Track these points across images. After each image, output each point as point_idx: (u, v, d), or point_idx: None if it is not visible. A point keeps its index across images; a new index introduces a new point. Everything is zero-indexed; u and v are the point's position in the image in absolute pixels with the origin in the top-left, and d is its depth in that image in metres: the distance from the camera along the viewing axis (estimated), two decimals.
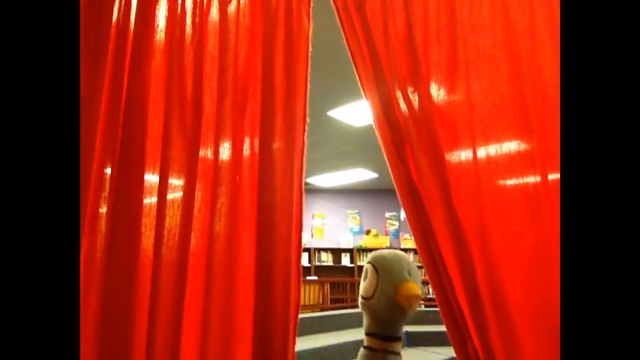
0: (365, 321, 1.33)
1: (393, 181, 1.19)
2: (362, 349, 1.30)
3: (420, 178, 1.15)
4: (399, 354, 1.27)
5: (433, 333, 4.78)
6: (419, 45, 1.25)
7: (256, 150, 1.34)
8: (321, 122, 4.64)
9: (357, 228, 8.24)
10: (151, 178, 1.34)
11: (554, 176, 1.08)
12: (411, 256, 8.39)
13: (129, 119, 1.37)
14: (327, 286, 6.53)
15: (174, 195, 1.32)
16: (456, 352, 1.07)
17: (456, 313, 1.06)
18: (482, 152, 1.15)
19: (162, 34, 1.46)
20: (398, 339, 1.28)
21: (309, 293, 6.20)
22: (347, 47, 1.31)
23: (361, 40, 1.27)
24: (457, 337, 1.06)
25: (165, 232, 1.27)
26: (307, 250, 7.92)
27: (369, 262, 1.34)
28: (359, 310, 1.39)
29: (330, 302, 6.56)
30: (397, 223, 8.34)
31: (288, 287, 1.21)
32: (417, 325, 5.20)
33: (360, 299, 1.34)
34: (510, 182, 1.12)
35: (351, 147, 5.58)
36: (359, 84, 1.29)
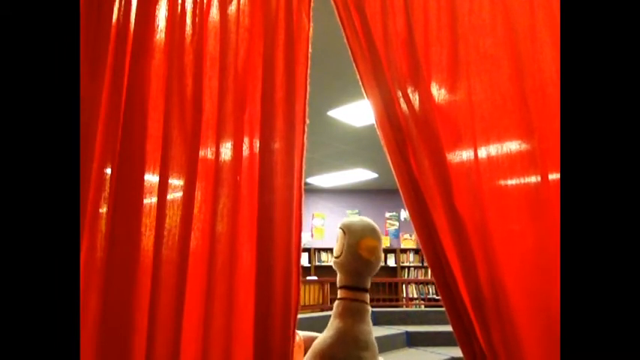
0: (338, 278, 1.57)
1: (396, 180, 1.19)
2: (336, 300, 1.52)
3: (421, 176, 1.15)
4: (365, 303, 1.50)
5: (433, 333, 4.79)
6: (419, 45, 1.25)
7: (256, 150, 1.33)
8: (321, 122, 4.64)
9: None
10: (151, 178, 1.34)
11: (555, 176, 1.08)
12: (411, 257, 8.42)
13: (129, 119, 1.37)
14: (327, 286, 6.53)
15: (174, 195, 1.32)
16: (462, 350, 1.07)
17: (461, 312, 1.06)
18: (483, 152, 1.15)
19: (163, 34, 1.46)
20: (365, 290, 1.53)
21: (309, 293, 6.20)
22: (348, 47, 1.31)
23: (361, 39, 1.27)
24: (462, 335, 1.07)
25: (165, 232, 1.27)
26: (307, 250, 7.93)
27: (339, 228, 1.58)
28: None
29: (330, 302, 6.56)
30: (397, 223, 8.34)
31: (288, 287, 1.21)
32: (417, 325, 5.21)
33: (333, 259, 1.58)
34: (511, 182, 1.12)
35: (351, 147, 5.58)
36: (359, 84, 1.29)
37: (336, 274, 1.60)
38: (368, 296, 1.53)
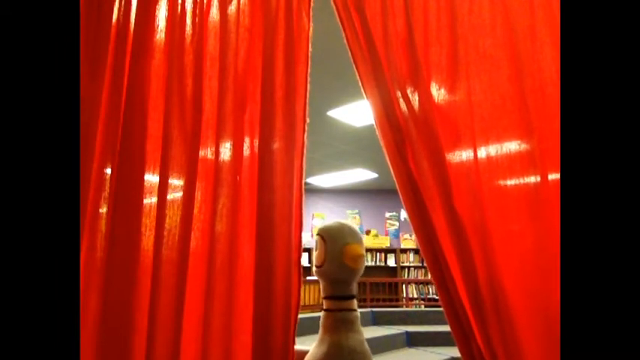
0: (321, 286, 1.47)
1: (395, 180, 1.19)
2: (322, 311, 1.43)
3: (421, 177, 1.15)
4: (354, 310, 1.41)
5: (433, 333, 4.78)
6: (419, 45, 1.25)
7: (256, 150, 1.34)
8: (321, 122, 4.64)
9: (357, 228, 8.23)
10: (151, 178, 1.34)
11: (555, 176, 1.08)
12: (411, 257, 8.41)
13: (129, 119, 1.37)
14: None
15: (174, 195, 1.32)
16: (460, 351, 1.07)
17: (459, 312, 1.06)
18: (482, 152, 1.15)
19: (163, 34, 1.46)
20: (351, 297, 1.42)
21: (309, 293, 6.20)
22: (347, 47, 1.31)
23: (361, 40, 1.27)
24: (460, 335, 1.06)
25: (165, 232, 1.27)
26: (307, 250, 7.92)
27: (317, 234, 1.47)
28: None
29: None
30: (397, 223, 8.33)
31: (288, 287, 1.21)
32: (417, 325, 5.20)
33: (314, 268, 1.48)
34: (511, 182, 1.12)
35: (351, 147, 5.58)
36: (359, 84, 1.29)
37: None
38: (355, 301, 1.44)
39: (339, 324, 1.37)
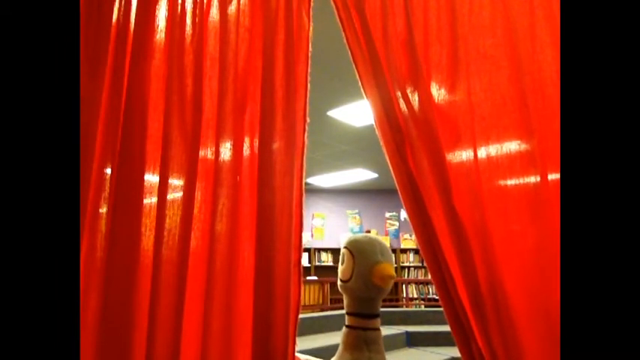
0: (345, 301, 1.41)
1: (395, 180, 1.19)
2: (344, 327, 1.39)
3: (421, 177, 1.15)
4: (378, 329, 1.36)
5: (433, 333, 4.79)
6: (419, 45, 1.25)
7: (256, 150, 1.33)
8: (321, 122, 4.64)
9: (357, 228, 8.26)
10: (151, 178, 1.34)
11: (555, 176, 1.08)
12: (411, 257, 8.41)
13: (129, 119, 1.38)
14: (327, 286, 6.54)
15: (175, 195, 1.32)
16: (460, 351, 1.07)
17: (459, 312, 1.06)
18: (482, 152, 1.15)
19: (163, 34, 1.46)
20: (376, 316, 1.37)
21: (309, 293, 6.21)
22: (347, 47, 1.31)
23: (361, 40, 1.27)
24: (460, 336, 1.06)
25: (165, 232, 1.27)
26: (307, 250, 7.93)
27: (344, 247, 1.42)
28: None
29: (330, 302, 6.57)
30: (397, 223, 8.34)
31: (288, 288, 1.21)
32: (417, 325, 5.20)
33: (339, 282, 1.43)
34: (511, 182, 1.12)
35: (351, 147, 5.59)
36: (359, 84, 1.29)
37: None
38: (379, 321, 1.37)
39: (360, 343, 1.32)
